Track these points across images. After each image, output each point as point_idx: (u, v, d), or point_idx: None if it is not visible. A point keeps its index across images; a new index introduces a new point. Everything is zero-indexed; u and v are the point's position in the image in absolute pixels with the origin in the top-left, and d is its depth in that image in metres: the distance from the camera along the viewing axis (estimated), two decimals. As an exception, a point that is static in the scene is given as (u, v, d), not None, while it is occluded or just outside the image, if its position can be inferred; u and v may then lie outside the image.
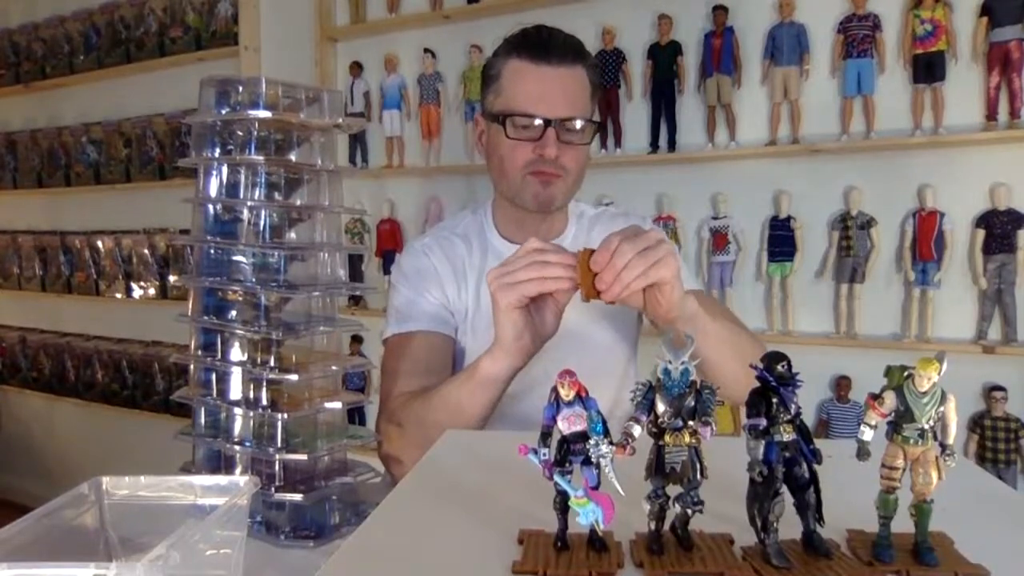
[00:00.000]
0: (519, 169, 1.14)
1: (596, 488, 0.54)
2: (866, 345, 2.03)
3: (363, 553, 0.59)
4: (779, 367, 0.53)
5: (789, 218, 2.12)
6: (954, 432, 0.53)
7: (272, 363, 0.87)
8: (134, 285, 3.15)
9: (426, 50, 2.56)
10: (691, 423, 0.54)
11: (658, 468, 0.54)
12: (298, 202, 0.92)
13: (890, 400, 0.53)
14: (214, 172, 0.90)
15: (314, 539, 0.82)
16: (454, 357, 1.22)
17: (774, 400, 0.53)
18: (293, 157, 0.92)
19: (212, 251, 0.91)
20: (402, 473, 1.08)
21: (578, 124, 1.12)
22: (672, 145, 2.25)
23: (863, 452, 0.54)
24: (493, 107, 1.17)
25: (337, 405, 0.90)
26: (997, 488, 0.73)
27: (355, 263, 2.49)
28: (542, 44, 1.11)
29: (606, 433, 0.54)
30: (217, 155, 0.90)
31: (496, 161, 1.18)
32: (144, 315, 3.18)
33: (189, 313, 0.92)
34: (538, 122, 1.10)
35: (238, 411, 0.87)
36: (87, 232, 3.28)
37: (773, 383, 0.53)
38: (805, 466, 0.54)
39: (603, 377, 1.19)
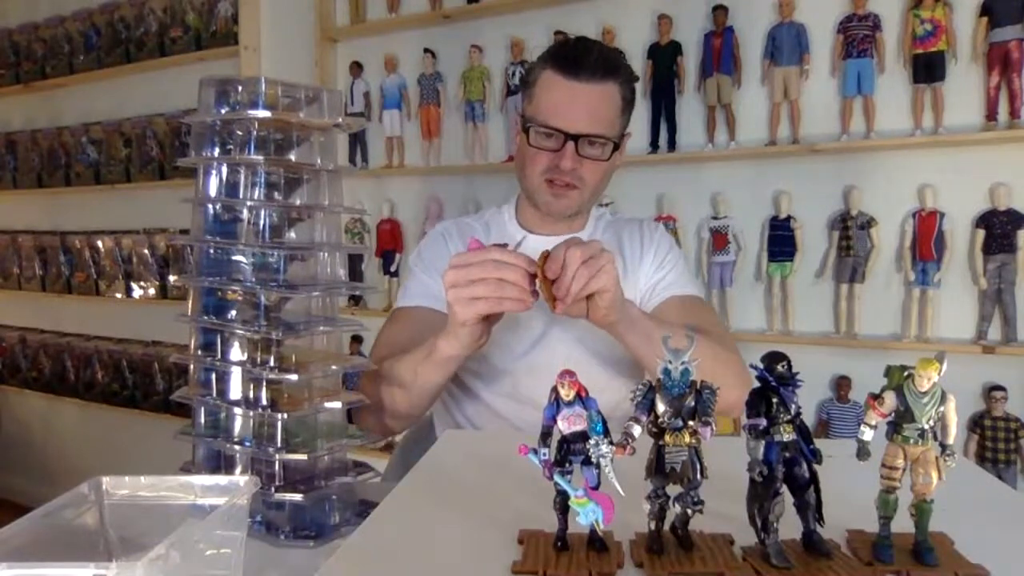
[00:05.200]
0: (537, 175, 1.18)
1: (596, 488, 0.54)
2: (866, 345, 2.03)
3: (363, 553, 0.59)
4: (779, 367, 0.53)
5: (789, 218, 2.12)
6: (954, 432, 0.53)
7: (272, 363, 0.86)
8: (134, 285, 3.15)
9: (426, 50, 2.56)
10: (691, 423, 0.54)
11: (658, 468, 0.54)
12: (298, 202, 0.92)
13: (890, 400, 0.53)
14: (214, 172, 0.90)
15: (314, 539, 0.82)
16: None
17: (774, 400, 0.53)
18: (293, 157, 0.92)
19: (212, 251, 0.91)
20: (370, 420, 1.12)
21: (599, 141, 1.15)
22: (672, 145, 2.25)
23: (863, 452, 0.54)
24: (525, 112, 1.21)
25: (337, 405, 0.90)
26: (997, 488, 0.73)
27: (355, 263, 2.50)
28: (575, 59, 1.14)
29: (606, 433, 0.54)
30: (217, 155, 0.90)
31: (520, 161, 1.23)
32: (144, 315, 3.17)
33: (189, 313, 0.92)
34: (559, 135, 1.13)
35: (238, 411, 0.87)
36: (87, 232, 3.28)
37: (773, 383, 0.53)
38: (805, 466, 0.54)
39: (612, 365, 1.20)
